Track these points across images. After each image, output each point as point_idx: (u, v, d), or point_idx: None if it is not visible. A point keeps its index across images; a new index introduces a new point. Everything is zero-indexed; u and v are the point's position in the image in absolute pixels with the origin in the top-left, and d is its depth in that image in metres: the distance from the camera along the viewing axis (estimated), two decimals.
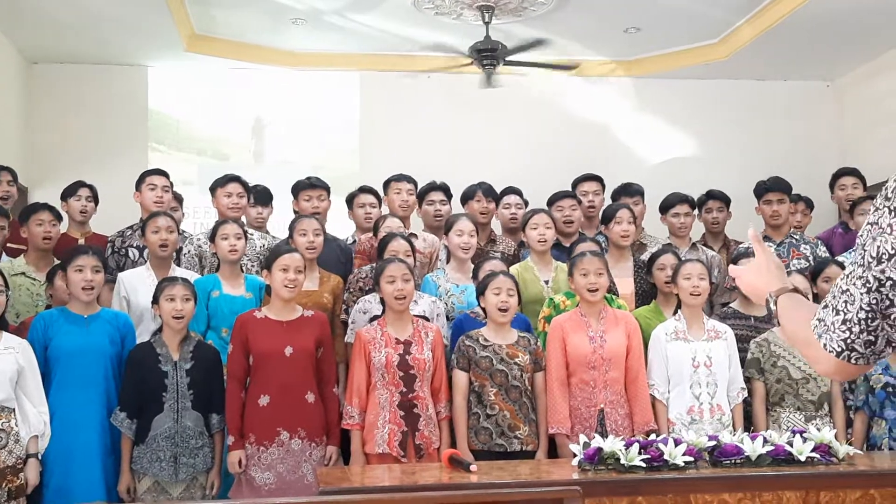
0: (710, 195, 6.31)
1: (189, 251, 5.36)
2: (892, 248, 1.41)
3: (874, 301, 1.43)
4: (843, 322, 1.47)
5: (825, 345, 1.49)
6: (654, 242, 6.01)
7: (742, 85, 8.25)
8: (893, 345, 1.48)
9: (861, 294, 1.44)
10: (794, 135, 8.16)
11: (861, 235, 1.49)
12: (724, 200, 6.28)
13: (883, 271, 1.42)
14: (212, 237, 4.99)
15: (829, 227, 6.44)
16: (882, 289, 1.42)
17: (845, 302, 1.46)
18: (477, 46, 6.88)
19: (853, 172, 6.35)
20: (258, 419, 4.31)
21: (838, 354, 1.48)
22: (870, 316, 1.44)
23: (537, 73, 7.46)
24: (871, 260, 1.43)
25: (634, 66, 8.17)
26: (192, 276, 4.93)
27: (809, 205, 6.54)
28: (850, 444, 3.96)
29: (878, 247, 1.42)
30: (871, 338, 1.46)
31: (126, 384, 4.36)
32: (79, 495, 4.23)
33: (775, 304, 1.71)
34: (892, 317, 1.44)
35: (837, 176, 6.38)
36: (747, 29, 7.21)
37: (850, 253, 5.54)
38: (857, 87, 8.12)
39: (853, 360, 1.48)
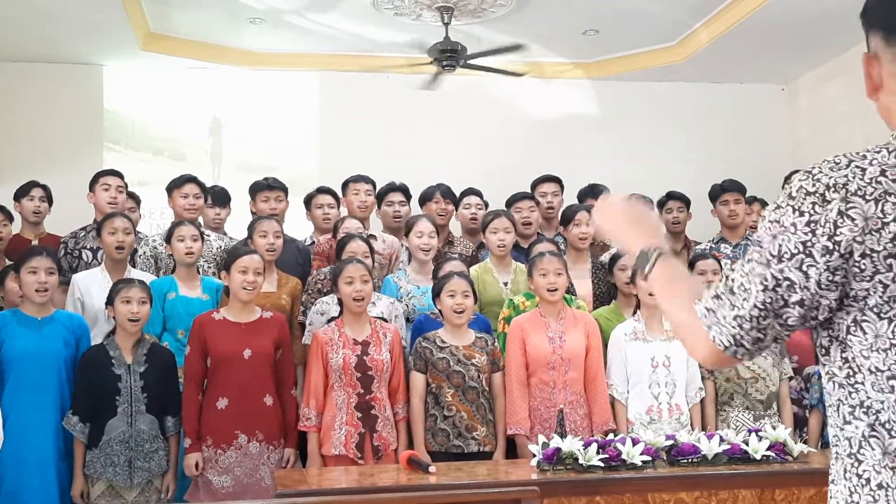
0: (670, 196, 6.36)
1: (144, 252, 5.29)
2: (795, 248, 1.39)
3: (769, 300, 1.41)
4: (735, 318, 1.44)
5: (714, 337, 1.46)
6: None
7: (699, 87, 8.33)
8: (779, 340, 1.47)
9: (757, 291, 1.41)
10: (750, 137, 8.25)
11: (759, 231, 1.46)
12: (684, 201, 6.34)
13: (781, 271, 1.40)
14: (168, 238, 4.93)
15: None
16: (778, 288, 1.40)
17: (742, 299, 1.43)
18: (437, 47, 6.87)
19: None
20: (216, 422, 4.28)
21: (726, 349, 1.46)
22: (762, 314, 1.42)
23: (498, 74, 7.46)
24: (770, 258, 1.41)
25: (593, 68, 8.21)
26: (148, 277, 4.88)
27: (765, 206, 6.61)
28: (805, 442, 4.02)
29: (780, 245, 1.40)
30: (760, 335, 1.44)
31: (78, 388, 4.30)
32: (32, 500, 4.19)
33: (653, 265, 1.64)
34: (784, 317, 1.42)
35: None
36: (704, 32, 7.28)
37: None
38: (810, 91, 8.24)
39: (738, 356, 1.46)
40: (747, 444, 3.68)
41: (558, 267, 4.60)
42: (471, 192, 6.27)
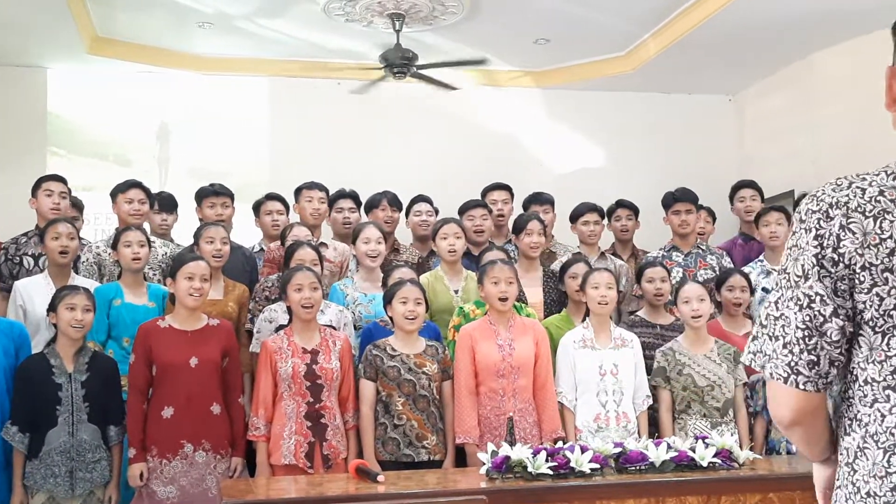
0: (619, 204, 6.41)
1: (88, 259, 5.21)
2: (811, 262, 1.47)
3: (808, 318, 1.46)
4: (784, 346, 1.48)
5: (771, 374, 1.50)
6: (564, 251, 6.07)
7: (648, 97, 8.41)
8: (836, 365, 1.48)
9: (794, 314, 1.48)
10: (698, 147, 8.34)
11: (782, 262, 1.54)
12: (633, 209, 6.39)
13: (811, 287, 1.46)
14: (114, 244, 4.85)
15: (729, 238, 6.61)
16: (813, 304, 1.46)
17: (782, 326, 1.49)
18: (387, 54, 6.86)
19: (752, 185, 6.52)
20: (161, 431, 4.21)
21: (785, 380, 1.49)
22: (806, 334, 1.47)
23: (449, 82, 7.45)
24: (797, 279, 1.48)
25: (544, 77, 8.25)
26: (91, 284, 4.79)
27: (712, 214, 6.70)
28: (752, 449, 4.06)
29: (802, 265, 1.48)
30: (813, 357, 1.47)
31: (17, 397, 4.19)
32: None
33: None
34: (828, 332, 1.46)
35: (737, 188, 6.55)
36: (653, 43, 7.36)
37: (755, 264, 5.69)
38: (757, 102, 8.36)
39: (801, 385, 1.48)
40: (694, 452, 3.71)
41: (510, 276, 4.60)
42: (421, 199, 6.27)
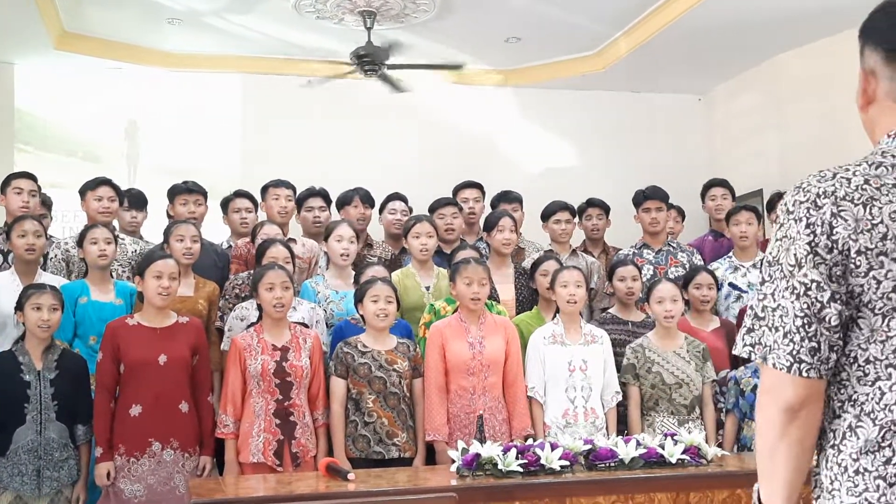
0: (590, 203, 6.43)
1: (56, 256, 5.16)
2: (805, 251, 1.49)
3: (805, 306, 1.48)
4: (785, 335, 1.49)
5: (774, 364, 1.50)
6: (533, 248, 6.09)
7: (618, 97, 8.45)
8: (835, 350, 1.50)
9: (792, 303, 1.49)
10: (668, 146, 8.40)
11: (771, 253, 1.56)
12: (604, 208, 6.41)
13: (805, 275, 1.49)
14: (80, 241, 4.81)
15: (699, 235, 6.66)
16: (810, 292, 1.49)
17: (780, 316, 1.50)
18: (358, 52, 6.84)
19: (723, 183, 6.57)
20: (129, 430, 4.18)
21: (788, 369, 1.49)
22: (806, 322, 1.48)
23: (419, 80, 7.45)
24: (791, 268, 1.50)
25: (515, 76, 8.28)
26: (59, 281, 4.75)
27: (681, 213, 6.74)
28: (721, 446, 4.10)
29: (795, 254, 1.50)
30: (814, 344, 1.48)
31: None
32: None
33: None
34: (826, 317, 1.48)
35: (708, 186, 6.60)
36: (623, 42, 7.40)
37: (723, 260, 5.74)
38: (726, 102, 8.43)
39: (804, 373, 1.48)
40: (663, 448, 3.74)
41: (483, 276, 4.60)
42: (396, 196, 6.26)
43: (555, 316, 4.82)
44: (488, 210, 6.09)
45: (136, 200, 5.93)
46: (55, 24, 6.90)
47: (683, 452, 3.73)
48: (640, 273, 5.29)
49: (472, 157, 7.77)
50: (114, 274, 5.00)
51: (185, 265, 4.82)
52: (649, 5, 6.73)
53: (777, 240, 1.55)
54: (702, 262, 5.78)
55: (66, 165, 7.73)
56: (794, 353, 1.49)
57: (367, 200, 6.16)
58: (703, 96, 8.65)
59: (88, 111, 7.75)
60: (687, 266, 5.74)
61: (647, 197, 6.00)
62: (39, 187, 5.48)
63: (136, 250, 5.37)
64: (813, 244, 1.49)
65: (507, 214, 5.61)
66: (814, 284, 1.48)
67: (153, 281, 4.30)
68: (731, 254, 5.79)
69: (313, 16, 6.86)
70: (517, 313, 5.23)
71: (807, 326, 1.48)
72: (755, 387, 4.67)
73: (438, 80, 7.86)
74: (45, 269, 4.97)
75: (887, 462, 1.45)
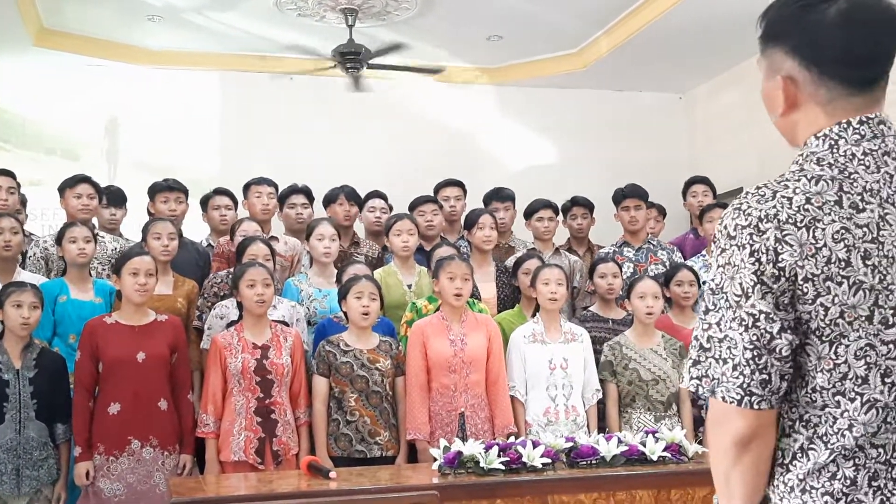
0: (575, 201, 6.42)
1: (35, 254, 5.13)
2: (751, 280, 1.43)
3: (755, 337, 1.43)
4: (734, 368, 1.44)
5: (723, 397, 1.45)
6: (523, 246, 6.09)
7: (600, 95, 8.46)
8: (786, 378, 1.45)
9: (740, 335, 1.43)
10: (649, 144, 8.41)
11: (714, 280, 1.49)
12: (588, 207, 6.41)
13: (753, 305, 1.43)
14: (58, 240, 4.77)
15: (681, 233, 6.68)
16: (758, 323, 1.43)
17: (728, 348, 1.45)
18: (340, 49, 6.82)
19: (704, 181, 6.60)
20: (108, 428, 4.17)
21: (739, 402, 1.44)
22: (755, 354, 1.43)
23: (401, 77, 7.45)
24: (737, 298, 1.44)
25: (497, 74, 8.27)
26: (38, 279, 4.72)
27: (662, 211, 6.76)
28: (700, 443, 4.12)
29: (740, 284, 1.44)
30: (765, 376, 1.43)
31: None
32: None
33: None
34: (777, 349, 1.43)
35: (689, 184, 6.63)
36: (605, 41, 7.41)
37: (697, 259, 5.76)
38: (706, 100, 8.46)
39: (755, 405, 1.44)
40: (644, 446, 3.75)
41: (466, 272, 4.61)
42: (375, 194, 6.25)
43: (535, 314, 4.83)
44: (472, 207, 6.09)
45: (116, 198, 5.90)
46: (34, 21, 6.84)
47: (665, 450, 3.74)
48: (621, 270, 5.31)
49: (454, 156, 7.76)
50: (93, 272, 4.97)
51: (162, 263, 4.80)
52: (631, 4, 6.75)
53: (720, 266, 1.48)
54: (682, 260, 5.81)
55: (46, 163, 7.66)
56: (745, 385, 1.43)
57: (353, 198, 6.14)
58: (683, 95, 8.68)
59: (68, 108, 7.68)
60: (667, 264, 5.76)
61: (626, 195, 6.01)
62: (18, 184, 5.44)
63: (115, 248, 5.33)
64: (759, 273, 1.43)
65: (487, 212, 5.62)
66: (762, 315, 1.42)
67: (130, 278, 4.28)
68: (703, 252, 5.81)
69: (294, 13, 6.83)
70: (498, 311, 5.24)
71: (757, 359, 1.43)
72: None
73: (420, 78, 7.85)
74: (24, 268, 4.93)
75: (832, 477, 1.43)
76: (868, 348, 1.42)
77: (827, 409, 1.45)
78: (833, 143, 1.51)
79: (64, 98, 7.63)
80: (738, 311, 1.44)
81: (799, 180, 1.47)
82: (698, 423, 4.89)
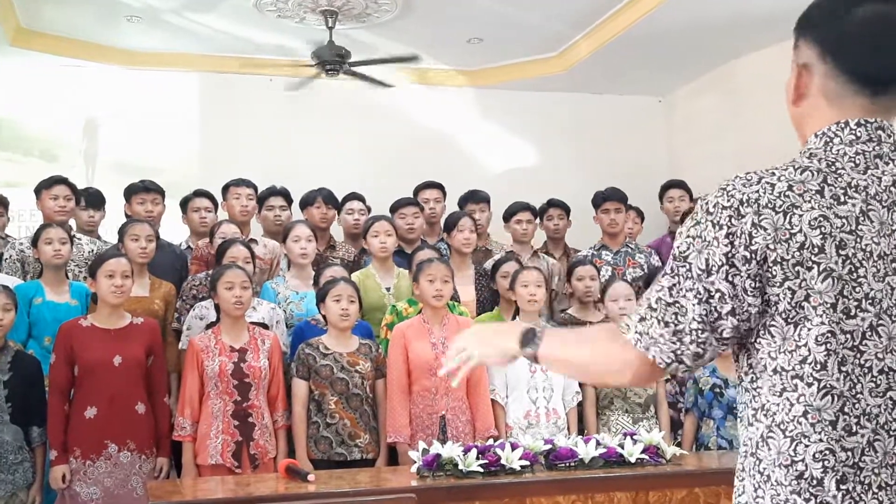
0: (551, 203, 6.45)
1: (10, 256, 5.09)
2: (720, 260, 1.46)
3: (705, 312, 1.47)
4: (675, 333, 1.49)
5: (654, 357, 1.50)
6: (501, 249, 6.10)
7: (580, 98, 8.47)
8: (712, 358, 1.52)
9: (693, 306, 1.48)
10: (628, 147, 8.43)
11: (679, 248, 1.52)
12: (565, 209, 6.43)
13: (713, 283, 1.47)
14: (35, 241, 4.74)
15: (658, 236, 6.71)
16: (711, 300, 1.47)
17: (675, 314, 1.49)
18: (319, 51, 6.81)
19: (681, 185, 6.63)
20: (84, 432, 4.14)
21: (667, 366, 1.50)
22: (700, 328, 1.48)
23: (382, 80, 7.43)
24: (700, 272, 1.48)
25: (477, 76, 8.27)
26: (14, 281, 4.68)
27: (640, 214, 6.79)
28: (680, 445, 4.13)
29: (707, 259, 1.47)
30: (700, 350, 1.49)
31: None
32: None
33: (538, 342, 1.71)
34: (720, 329, 1.48)
35: (666, 188, 6.66)
36: (585, 44, 7.43)
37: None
38: (685, 104, 8.49)
39: (680, 373, 1.52)
40: (622, 448, 3.75)
41: (446, 274, 4.61)
42: (354, 196, 6.24)
43: (514, 317, 4.83)
44: (449, 210, 6.09)
45: (94, 199, 5.86)
46: (11, 21, 6.79)
47: (643, 452, 3.75)
48: (599, 273, 5.32)
49: (434, 158, 7.75)
50: (70, 274, 4.93)
51: (139, 265, 4.77)
52: (611, 7, 6.77)
53: (689, 236, 1.51)
54: (660, 263, 5.83)
55: (22, 164, 7.60)
56: (678, 353, 1.49)
57: (330, 201, 6.13)
58: (663, 98, 8.71)
59: (45, 109, 7.62)
60: (645, 267, 5.78)
61: (606, 198, 6.04)
62: None
63: (93, 250, 5.30)
64: (730, 255, 1.46)
65: (467, 215, 5.63)
66: (718, 294, 1.46)
67: (106, 280, 4.25)
68: None
69: (274, 14, 6.81)
70: (478, 314, 5.24)
71: (699, 332, 1.48)
72: (713, 385, 4.73)
73: (401, 81, 7.84)
74: None
75: (799, 477, 1.45)
76: (829, 335, 1.45)
77: (786, 394, 1.47)
78: (828, 140, 1.55)
79: (41, 99, 7.57)
80: (697, 283, 1.48)
81: (786, 169, 1.51)
82: (676, 425, 4.92)
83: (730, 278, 1.46)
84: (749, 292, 1.46)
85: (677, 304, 1.49)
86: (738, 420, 1.59)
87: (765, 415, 1.49)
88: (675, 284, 1.50)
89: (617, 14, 6.83)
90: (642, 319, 1.53)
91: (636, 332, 1.53)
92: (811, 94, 1.59)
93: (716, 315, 1.47)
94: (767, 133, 7.03)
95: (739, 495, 1.55)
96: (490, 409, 4.59)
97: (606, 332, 1.62)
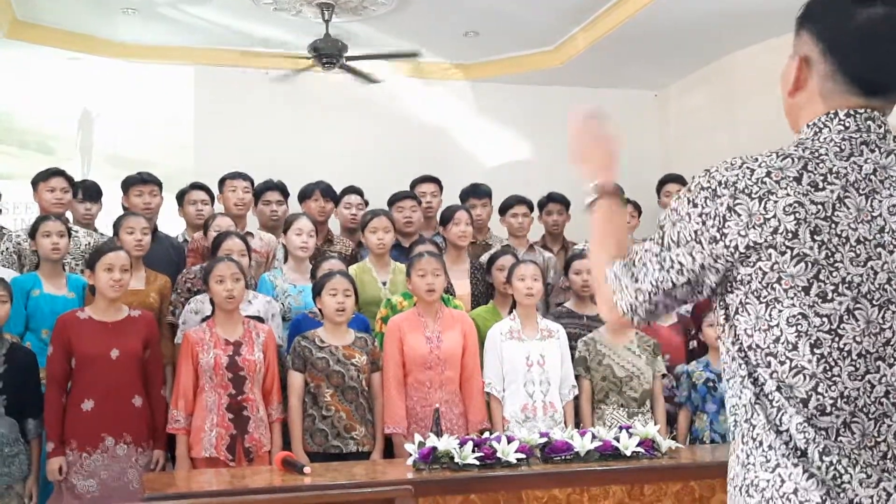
0: (551, 198, 6.45)
1: (7, 248, 5.09)
2: (688, 236, 1.55)
3: (661, 279, 1.59)
4: (635, 290, 1.61)
5: (616, 302, 1.64)
6: (500, 243, 6.10)
7: (576, 92, 8.46)
8: (670, 311, 1.70)
9: (654, 270, 1.59)
10: (624, 141, 8.42)
11: (663, 217, 1.62)
12: (564, 203, 6.43)
13: (677, 255, 1.57)
14: (32, 234, 4.73)
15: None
16: (671, 270, 1.58)
17: (642, 272, 1.61)
18: (316, 44, 6.80)
19: (678, 179, 6.64)
20: (81, 424, 4.13)
21: (624, 314, 1.64)
22: (654, 291, 1.60)
23: (378, 74, 7.43)
24: (670, 242, 1.58)
25: (473, 70, 8.28)
26: (11, 274, 4.68)
27: (638, 209, 6.79)
28: (674, 439, 4.15)
29: (678, 232, 1.57)
30: (652, 307, 1.62)
31: None
32: None
33: (596, 199, 1.87)
34: (674, 294, 1.59)
35: (663, 182, 6.67)
36: (581, 38, 7.43)
37: None
38: (680, 98, 8.50)
39: (634, 321, 1.65)
40: (618, 441, 3.77)
41: (436, 267, 4.62)
42: (351, 190, 6.24)
43: (511, 311, 4.84)
44: (448, 204, 6.10)
45: (91, 192, 5.85)
46: (6, 13, 6.77)
47: (638, 445, 3.76)
48: None
49: (431, 152, 7.76)
50: (67, 267, 4.93)
51: (135, 257, 4.76)
52: (606, 2, 6.77)
53: (671, 209, 1.61)
54: None
55: (19, 156, 7.60)
56: (634, 306, 1.62)
57: (328, 194, 6.12)
58: (658, 92, 8.72)
59: (41, 101, 7.62)
60: None
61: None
62: None
63: (89, 243, 5.29)
64: (698, 233, 1.54)
65: (463, 208, 5.63)
66: (677, 265, 1.57)
67: (104, 274, 4.25)
68: None
69: (271, 7, 6.80)
70: (473, 308, 5.24)
71: (653, 295, 1.60)
72: (707, 380, 4.75)
73: (397, 74, 7.84)
74: None
75: (786, 445, 1.50)
76: (800, 317, 1.49)
77: (759, 370, 1.53)
78: (818, 129, 1.58)
79: (37, 91, 7.57)
80: (663, 251, 1.59)
81: (769, 156, 1.55)
82: (671, 419, 4.93)
83: (693, 254, 1.55)
84: (707, 268, 1.55)
85: (645, 265, 1.60)
86: (727, 389, 1.64)
87: (753, 383, 1.55)
88: (649, 249, 1.62)
89: (613, 8, 6.84)
90: (625, 265, 1.65)
91: (614, 272, 1.66)
92: (808, 88, 1.62)
93: (671, 285, 1.58)
94: (761, 128, 7.04)
95: (733, 466, 1.59)
96: (483, 401, 4.61)
97: (608, 265, 1.71)
